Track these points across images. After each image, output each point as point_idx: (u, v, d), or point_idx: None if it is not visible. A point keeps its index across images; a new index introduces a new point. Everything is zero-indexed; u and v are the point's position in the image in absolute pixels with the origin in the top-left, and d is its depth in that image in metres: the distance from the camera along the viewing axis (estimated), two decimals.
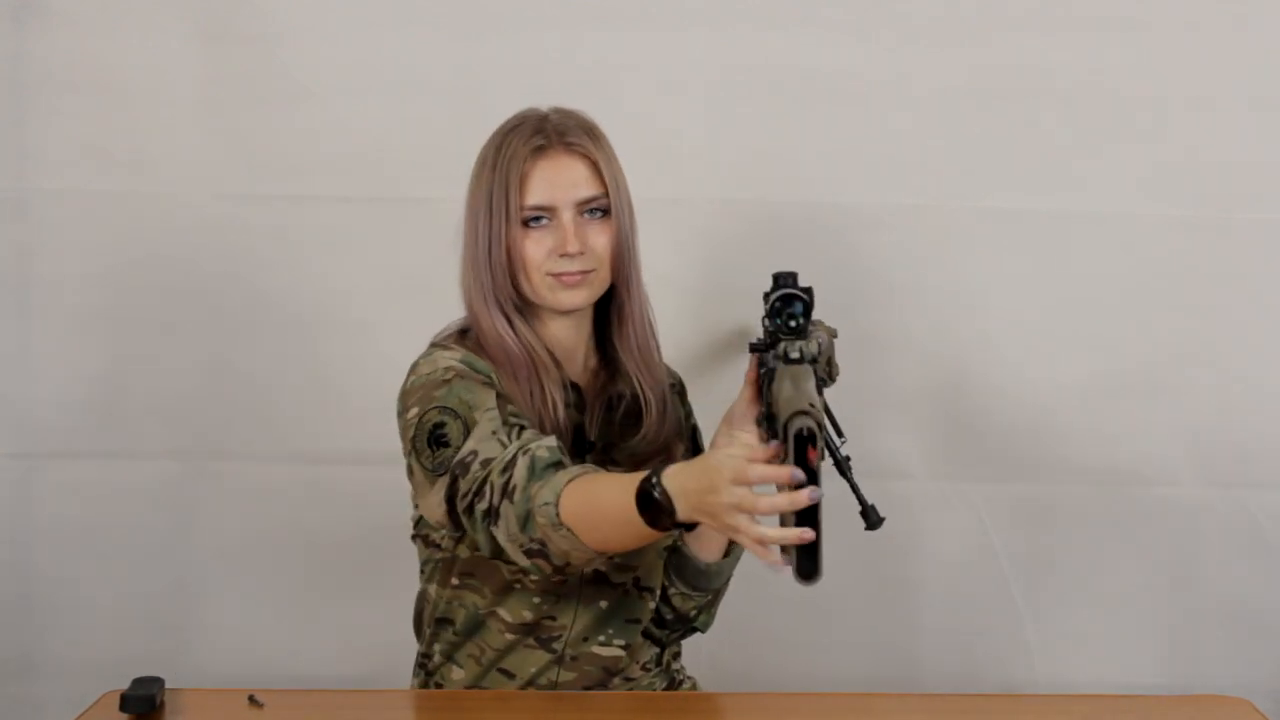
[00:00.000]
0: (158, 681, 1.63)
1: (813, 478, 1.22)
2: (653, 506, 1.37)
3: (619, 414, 1.77)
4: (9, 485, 2.32)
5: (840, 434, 1.56)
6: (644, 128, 2.14)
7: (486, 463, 1.54)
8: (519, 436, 1.57)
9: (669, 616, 1.85)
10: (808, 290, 1.48)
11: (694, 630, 1.89)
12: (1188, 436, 2.29)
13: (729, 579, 1.86)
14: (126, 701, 1.60)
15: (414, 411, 1.63)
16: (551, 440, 1.55)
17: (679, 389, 1.90)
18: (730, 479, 1.28)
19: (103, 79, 2.27)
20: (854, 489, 1.51)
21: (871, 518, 1.53)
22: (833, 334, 1.65)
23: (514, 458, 1.52)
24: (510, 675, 1.75)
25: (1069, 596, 2.34)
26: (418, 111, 2.24)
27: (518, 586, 1.72)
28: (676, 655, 1.92)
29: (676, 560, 1.81)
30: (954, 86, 2.24)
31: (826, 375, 1.65)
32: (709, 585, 1.82)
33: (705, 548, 1.80)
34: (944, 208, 2.26)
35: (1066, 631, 2.34)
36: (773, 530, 1.26)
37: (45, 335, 2.31)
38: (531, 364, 1.68)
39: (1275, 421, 2.28)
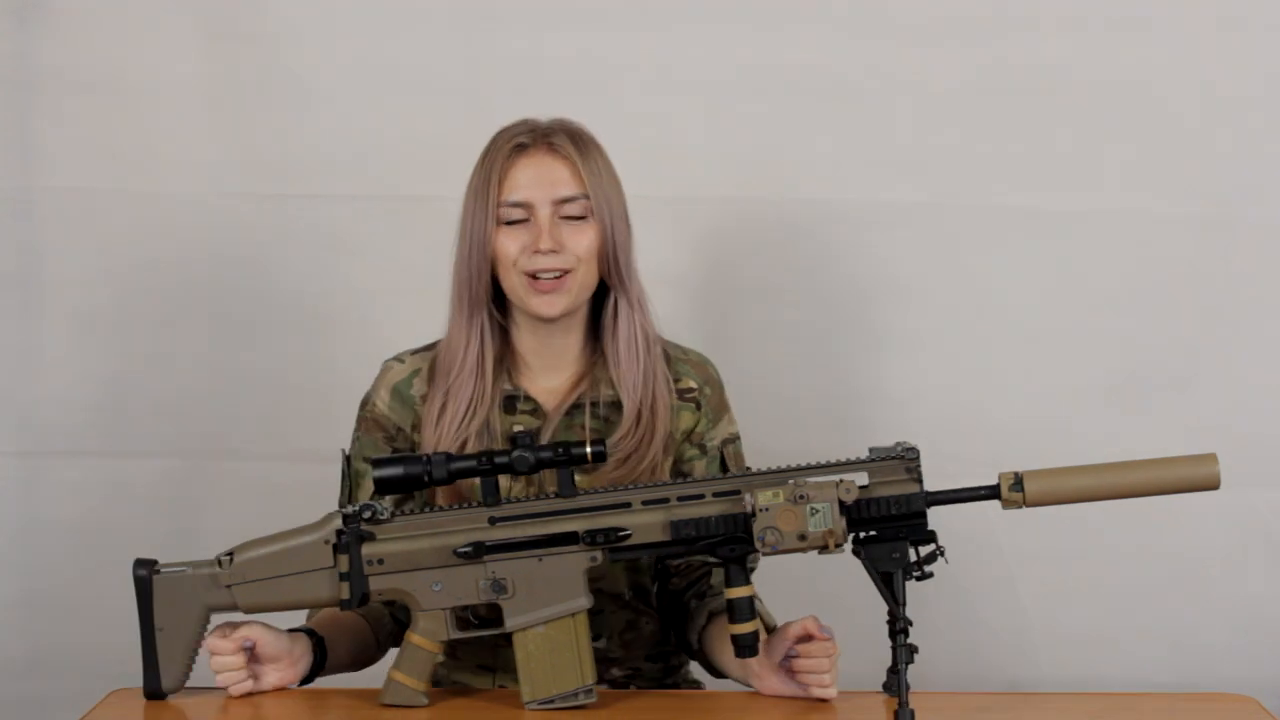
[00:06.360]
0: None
1: None
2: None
3: (597, 418, 1.73)
4: (14, 484, 2.34)
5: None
6: (644, 127, 2.14)
7: None
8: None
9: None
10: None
11: None
12: (1193, 435, 2.27)
13: None
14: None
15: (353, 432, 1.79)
16: None
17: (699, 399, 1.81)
18: None
19: (107, 78, 2.29)
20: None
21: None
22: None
23: None
24: (489, 670, 1.75)
25: (1075, 595, 2.33)
26: (418, 111, 2.26)
27: None
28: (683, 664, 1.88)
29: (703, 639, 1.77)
30: (957, 86, 2.24)
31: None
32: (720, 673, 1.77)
33: (722, 661, 1.74)
34: (946, 206, 2.26)
35: (1072, 630, 2.33)
36: None
37: (50, 334, 2.32)
38: (477, 371, 1.72)
39: None
